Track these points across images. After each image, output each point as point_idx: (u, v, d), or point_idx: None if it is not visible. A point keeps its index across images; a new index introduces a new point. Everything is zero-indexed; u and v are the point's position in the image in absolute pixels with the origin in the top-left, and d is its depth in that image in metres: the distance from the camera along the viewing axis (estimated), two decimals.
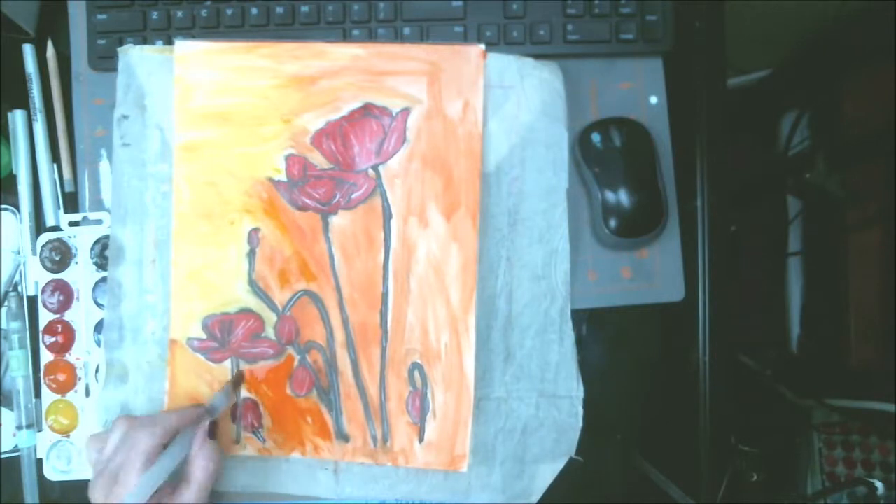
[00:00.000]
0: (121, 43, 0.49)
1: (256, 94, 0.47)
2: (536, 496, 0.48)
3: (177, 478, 0.41)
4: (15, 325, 0.50)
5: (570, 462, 0.48)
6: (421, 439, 0.48)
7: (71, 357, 0.50)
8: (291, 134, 0.47)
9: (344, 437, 0.48)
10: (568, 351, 0.48)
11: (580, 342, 0.49)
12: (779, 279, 0.92)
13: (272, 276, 0.48)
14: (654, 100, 0.50)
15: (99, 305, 0.50)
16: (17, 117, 0.51)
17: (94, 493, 0.39)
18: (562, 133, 0.48)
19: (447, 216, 0.47)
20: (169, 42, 0.49)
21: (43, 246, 0.51)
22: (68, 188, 0.51)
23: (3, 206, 0.51)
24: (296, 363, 0.48)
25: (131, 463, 0.38)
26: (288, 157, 0.47)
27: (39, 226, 0.51)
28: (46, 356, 0.50)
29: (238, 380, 0.47)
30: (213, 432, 0.41)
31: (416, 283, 0.48)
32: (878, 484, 0.66)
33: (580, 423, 0.48)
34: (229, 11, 0.49)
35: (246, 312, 0.48)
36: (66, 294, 0.51)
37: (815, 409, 0.87)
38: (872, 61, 0.78)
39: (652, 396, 0.51)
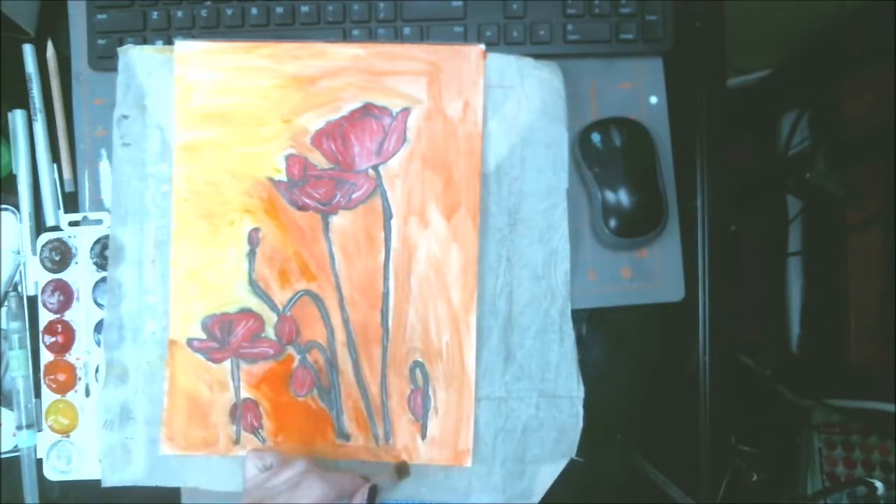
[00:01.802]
0: (121, 43, 0.49)
1: (256, 94, 0.47)
2: (537, 496, 0.48)
3: None
4: (15, 325, 0.50)
5: (571, 462, 0.48)
6: (423, 436, 0.48)
7: (71, 357, 0.50)
8: (291, 134, 0.47)
9: (345, 437, 0.48)
10: (568, 351, 0.48)
11: (580, 342, 0.49)
12: (779, 279, 0.92)
13: (272, 276, 0.48)
14: (654, 100, 0.50)
15: (99, 305, 0.50)
16: (17, 117, 0.51)
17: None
18: (562, 133, 0.48)
19: (447, 216, 0.47)
20: (169, 42, 0.49)
21: (43, 246, 0.51)
22: (68, 188, 0.51)
23: (3, 206, 0.51)
24: (296, 363, 0.48)
25: None
26: (288, 157, 0.47)
27: (39, 226, 0.51)
28: (46, 356, 0.50)
29: (403, 468, 0.47)
30: (372, 498, 0.41)
31: (416, 283, 0.48)
32: (878, 484, 0.66)
33: (580, 423, 0.48)
34: (229, 11, 0.49)
35: (246, 312, 0.48)
36: (66, 294, 0.51)
37: (815, 409, 0.87)
38: (872, 61, 0.78)
39: (652, 396, 0.51)
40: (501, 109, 0.48)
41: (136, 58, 0.48)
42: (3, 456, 0.51)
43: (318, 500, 0.39)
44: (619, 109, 0.50)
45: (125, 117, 0.49)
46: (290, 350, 0.48)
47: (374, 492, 0.41)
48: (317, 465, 0.42)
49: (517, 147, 0.48)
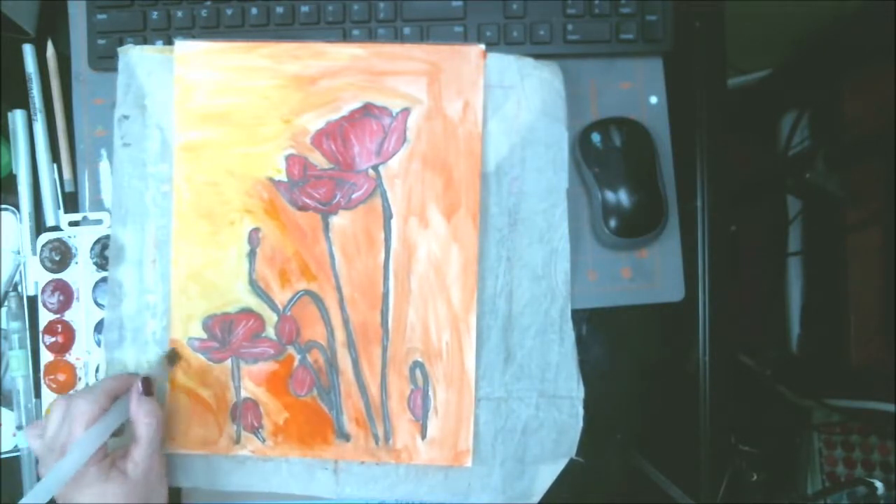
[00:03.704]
0: (121, 43, 0.49)
1: (256, 94, 0.47)
2: (537, 497, 0.48)
3: (127, 441, 0.42)
4: (15, 325, 0.50)
5: (571, 462, 0.48)
6: (423, 436, 0.48)
7: (71, 357, 0.50)
8: (291, 134, 0.47)
9: (345, 437, 0.48)
10: (568, 351, 0.48)
11: (580, 342, 0.49)
12: (779, 279, 0.92)
13: (272, 276, 0.48)
14: (654, 100, 0.50)
15: (99, 305, 0.50)
16: (17, 117, 0.51)
17: (43, 473, 0.40)
18: (562, 133, 0.48)
19: (447, 216, 0.47)
20: (169, 42, 0.49)
21: (43, 246, 0.51)
22: (68, 188, 0.51)
23: (3, 206, 0.51)
24: (296, 363, 0.48)
25: (75, 432, 0.39)
26: (288, 157, 0.48)
27: (39, 226, 0.51)
28: (46, 356, 0.50)
29: (172, 356, 0.47)
30: (147, 389, 0.42)
31: (416, 283, 0.48)
32: (878, 484, 0.66)
33: (580, 424, 0.48)
34: (229, 11, 0.49)
35: (246, 312, 0.48)
36: (66, 294, 0.51)
37: (815, 409, 0.87)
38: (872, 61, 0.78)
39: (652, 396, 0.51)
40: (501, 109, 0.48)
41: (136, 58, 0.48)
42: (3, 456, 0.51)
43: (87, 413, 0.39)
44: (619, 109, 0.50)
45: (125, 117, 0.49)
46: (291, 350, 0.48)
47: (148, 382, 0.42)
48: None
49: (517, 147, 0.48)
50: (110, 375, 0.44)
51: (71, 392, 0.42)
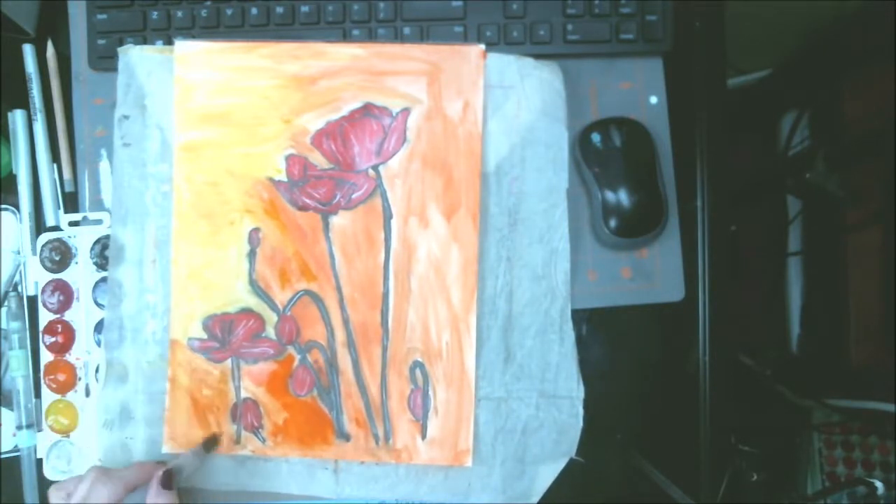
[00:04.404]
0: (121, 43, 0.49)
1: (256, 94, 0.47)
2: (537, 497, 0.48)
3: None
4: (15, 325, 0.50)
5: (571, 462, 0.48)
6: (424, 436, 0.48)
7: (71, 357, 0.50)
8: (291, 134, 0.47)
9: (345, 437, 0.48)
10: (568, 351, 0.48)
11: (580, 342, 0.49)
12: (779, 279, 0.92)
13: (273, 276, 0.48)
14: (654, 100, 0.50)
15: (99, 305, 0.50)
16: (17, 117, 0.51)
17: None
18: (562, 133, 0.48)
19: (447, 216, 0.47)
20: (169, 42, 0.49)
21: (43, 246, 0.51)
22: (68, 188, 0.51)
23: (3, 206, 0.51)
24: (296, 363, 0.48)
25: None
26: (288, 158, 0.48)
27: (39, 226, 0.51)
28: (46, 356, 0.50)
29: (210, 443, 0.47)
30: (167, 482, 0.41)
31: (416, 283, 0.48)
32: (878, 484, 0.66)
33: (580, 424, 0.48)
34: (229, 11, 0.49)
35: (246, 312, 0.48)
36: (66, 294, 0.51)
37: (815, 409, 0.87)
38: (872, 61, 0.78)
39: (652, 396, 0.51)
40: (501, 109, 0.48)
41: (136, 58, 0.48)
42: (3, 456, 0.51)
43: (107, 501, 0.40)
44: (619, 109, 0.50)
45: (125, 117, 0.49)
46: (291, 350, 0.48)
47: (168, 476, 0.41)
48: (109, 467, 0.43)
49: (517, 147, 0.48)
50: (140, 464, 0.44)
51: (105, 469, 0.42)
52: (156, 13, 0.49)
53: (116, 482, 0.41)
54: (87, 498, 0.40)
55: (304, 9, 0.49)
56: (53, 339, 0.50)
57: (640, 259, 0.50)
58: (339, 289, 0.48)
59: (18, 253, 0.51)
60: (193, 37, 0.48)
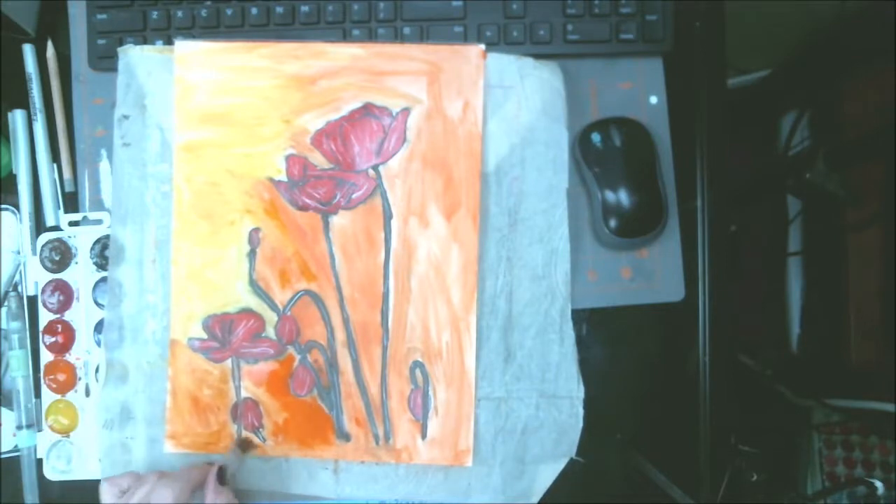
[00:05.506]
0: (121, 43, 0.49)
1: (256, 94, 0.47)
2: (536, 497, 0.48)
3: None
4: (15, 325, 0.50)
5: (571, 462, 0.48)
6: (424, 436, 0.48)
7: (71, 357, 0.50)
8: (291, 134, 0.47)
9: (345, 437, 0.48)
10: (568, 351, 0.48)
11: (580, 342, 0.49)
12: (779, 279, 0.92)
13: (273, 276, 0.48)
14: (654, 100, 0.50)
15: (99, 305, 0.50)
16: (17, 117, 0.51)
17: None
18: (562, 133, 0.48)
19: (447, 216, 0.47)
20: (169, 42, 0.49)
21: (43, 246, 0.51)
22: (68, 188, 0.51)
23: (3, 206, 0.51)
24: (296, 363, 0.48)
25: None
26: (288, 158, 0.48)
27: (39, 226, 0.51)
28: (46, 356, 0.50)
29: (245, 444, 0.48)
30: (222, 478, 0.42)
31: (416, 283, 0.48)
32: (878, 484, 0.66)
33: (580, 424, 0.48)
34: (229, 11, 0.49)
35: (246, 312, 0.48)
36: (66, 294, 0.51)
37: (815, 409, 0.87)
38: (872, 61, 0.78)
39: (652, 396, 0.51)
40: (501, 109, 0.48)
41: (136, 58, 0.48)
42: (3, 456, 0.51)
43: (173, 502, 0.39)
44: (619, 109, 0.50)
45: (125, 117, 0.49)
46: (291, 350, 0.48)
47: (221, 473, 0.42)
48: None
49: (517, 147, 0.48)
50: (195, 467, 0.44)
51: (164, 472, 0.42)
52: (156, 13, 0.49)
53: (183, 483, 0.41)
54: (148, 498, 0.40)
55: (304, 9, 0.49)
56: (53, 339, 0.50)
57: (640, 259, 0.50)
58: (339, 289, 0.48)
59: (18, 253, 0.51)
60: (193, 37, 0.48)
